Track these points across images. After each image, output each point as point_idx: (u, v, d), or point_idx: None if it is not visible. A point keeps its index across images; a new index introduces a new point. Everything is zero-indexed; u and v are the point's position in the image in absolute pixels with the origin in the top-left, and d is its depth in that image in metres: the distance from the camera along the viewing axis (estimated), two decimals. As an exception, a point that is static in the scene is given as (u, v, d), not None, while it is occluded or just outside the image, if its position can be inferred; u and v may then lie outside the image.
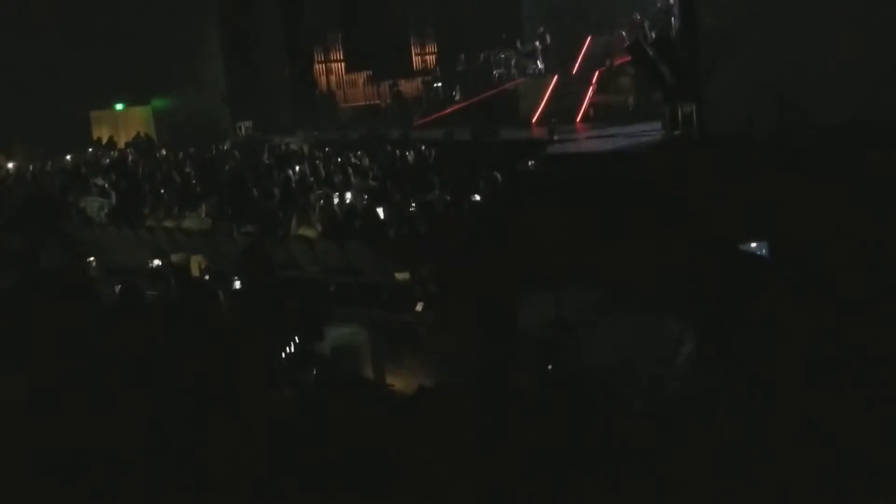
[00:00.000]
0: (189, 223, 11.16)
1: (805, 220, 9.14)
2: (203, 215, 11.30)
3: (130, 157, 19.67)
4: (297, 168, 14.78)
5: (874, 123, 10.52)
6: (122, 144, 23.28)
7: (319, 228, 10.15)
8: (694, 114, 13.63)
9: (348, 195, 11.89)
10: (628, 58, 17.03)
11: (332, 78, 25.84)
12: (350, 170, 13.87)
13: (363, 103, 25.14)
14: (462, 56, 23.00)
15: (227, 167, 16.33)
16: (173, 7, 23.07)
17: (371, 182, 12.88)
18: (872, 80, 10.87)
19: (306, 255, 9.67)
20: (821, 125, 11.42)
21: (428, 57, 26.32)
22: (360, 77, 25.88)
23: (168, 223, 11.33)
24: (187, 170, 16.00)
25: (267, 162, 16.30)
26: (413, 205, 10.48)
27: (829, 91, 11.36)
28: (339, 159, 15.45)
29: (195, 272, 9.10)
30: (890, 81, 10.82)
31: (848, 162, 10.07)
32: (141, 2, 23.70)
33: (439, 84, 23.07)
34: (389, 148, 16.76)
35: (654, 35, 17.34)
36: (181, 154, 19.54)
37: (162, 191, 13.53)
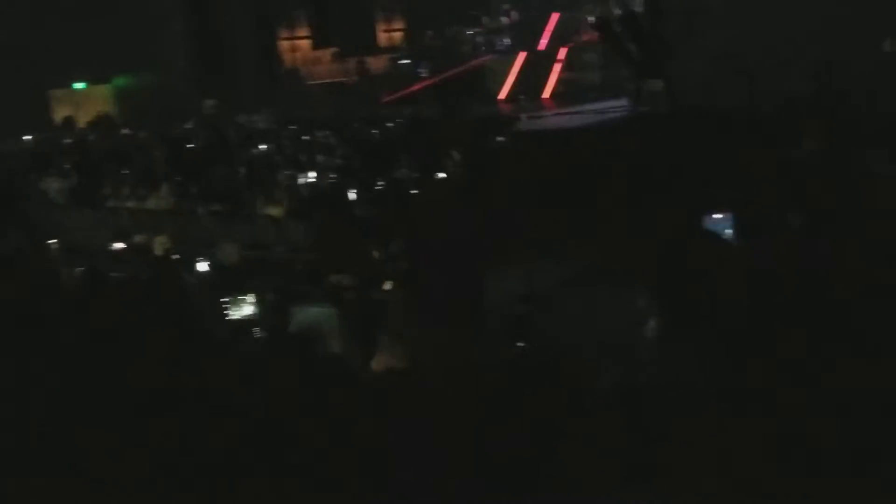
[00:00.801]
0: (152, 203, 11.00)
1: (772, 191, 9.17)
2: (166, 195, 11.14)
3: (91, 137, 19.31)
4: (263, 147, 14.61)
5: (839, 94, 10.57)
6: (82, 124, 22.84)
7: (284, 205, 10.05)
8: (661, 90, 13.63)
9: (313, 174, 11.77)
10: (595, 34, 16.98)
11: (298, 55, 25.51)
12: (316, 148, 13.73)
13: (330, 80, 24.88)
14: (429, 32, 22.83)
15: (191, 146, 16.09)
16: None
17: (338, 160, 12.76)
18: (836, 51, 10.90)
19: (272, 234, 9.56)
20: (787, 97, 11.46)
21: (394, 33, 26.09)
22: (327, 54, 25.60)
23: (131, 204, 11.16)
24: (150, 149, 15.75)
25: (232, 140, 16.08)
26: (381, 182, 10.41)
27: (794, 63, 11.40)
28: (306, 137, 15.28)
29: (159, 253, 8.96)
30: (855, 52, 10.88)
31: (812, 134, 10.11)
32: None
33: (406, 61, 22.89)
34: (357, 125, 16.61)
35: (621, 11, 17.30)
36: (143, 133, 19.22)
37: (124, 171, 13.30)
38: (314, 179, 11.43)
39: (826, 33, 11.09)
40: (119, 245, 8.21)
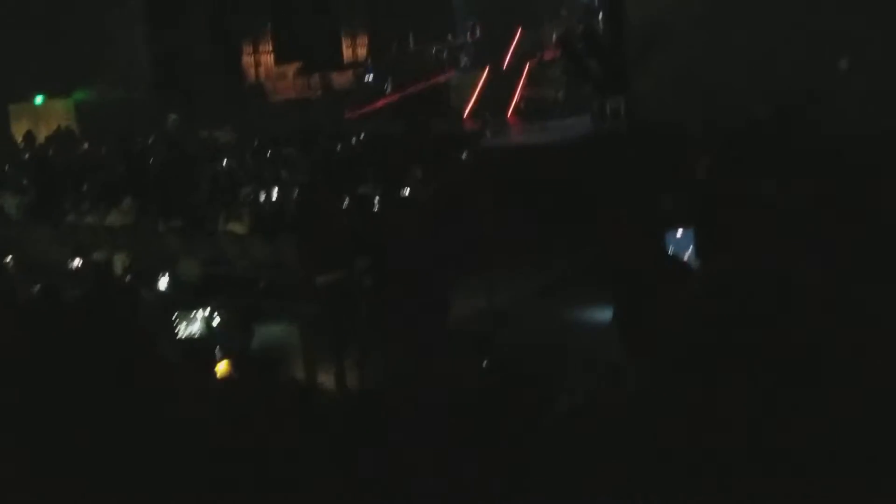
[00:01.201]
0: (112, 219, 10.85)
1: (734, 211, 9.28)
2: (127, 211, 11.00)
3: (51, 152, 19.04)
4: (226, 162, 14.51)
5: (802, 114, 10.74)
6: (42, 139, 22.51)
7: (248, 223, 9.97)
8: (622, 107, 13.76)
9: (276, 189, 11.70)
10: (558, 51, 17.13)
11: (262, 70, 25.41)
12: (280, 163, 13.67)
13: (293, 96, 24.80)
14: (393, 48, 22.88)
15: (153, 161, 15.93)
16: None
17: (301, 176, 12.70)
18: (800, 72, 11.09)
19: (235, 250, 9.48)
20: (749, 118, 11.63)
21: (359, 49, 26.11)
22: (290, 69, 25.52)
23: (90, 219, 11.01)
24: (110, 164, 15.57)
25: (194, 156, 15.96)
26: (346, 199, 10.36)
27: (757, 83, 11.57)
28: (269, 152, 15.21)
29: (118, 270, 8.84)
30: (817, 73, 11.07)
31: (776, 154, 10.26)
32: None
33: (371, 76, 22.90)
34: (321, 141, 16.56)
35: (583, 28, 17.47)
36: (104, 148, 18.98)
37: (84, 186, 13.12)
38: (275, 195, 11.36)
39: (784, 52, 11.28)
40: (77, 262, 8.07)
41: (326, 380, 5.95)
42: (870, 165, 9.03)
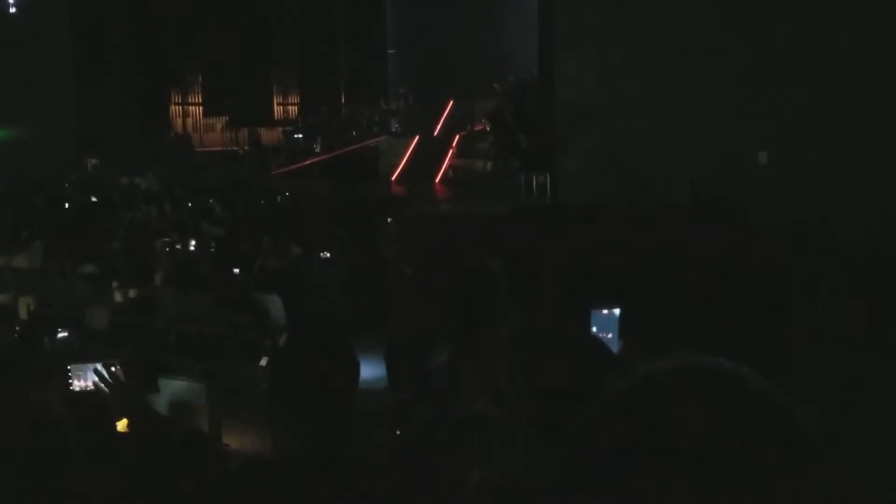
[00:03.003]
0: (19, 261, 10.45)
1: (654, 287, 9.46)
2: (37, 254, 10.62)
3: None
4: (144, 209, 14.20)
5: (717, 201, 11.07)
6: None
7: (162, 272, 9.72)
8: (547, 183, 14.01)
9: (194, 242, 11.47)
10: (488, 124, 17.40)
11: (189, 120, 25.16)
12: (200, 216, 13.43)
13: (220, 148, 24.58)
14: (324, 109, 22.95)
15: (69, 204, 15.50)
16: (20, 30, 21.99)
17: (218, 230, 12.49)
18: (721, 160, 11.45)
19: (146, 301, 9.20)
20: (666, 200, 11.96)
21: (290, 107, 26.13)
22: (219, 122, 25.35)
23: (-3, 260, 10.58)
24: (23, 205, 15.08)
25: (113, 201, 15.58)
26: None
27: (676, 169, 11.92)
28: (190, 204, 14.95)
29: (23, 314, 8.48)
30: (735, 163, 11.45)
31: (694, 237, 10.54)
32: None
33: (300, 135, 22.88)
34: (245, 195, 16.38)
35: (513, 104, 17.82)
36: (17, 188, 18.38)
37: (-7, 225, 12.66)
38: (192, 248, 11.12)
39: (706, 140, 11.67)
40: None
41: (229, 440, 5.73)
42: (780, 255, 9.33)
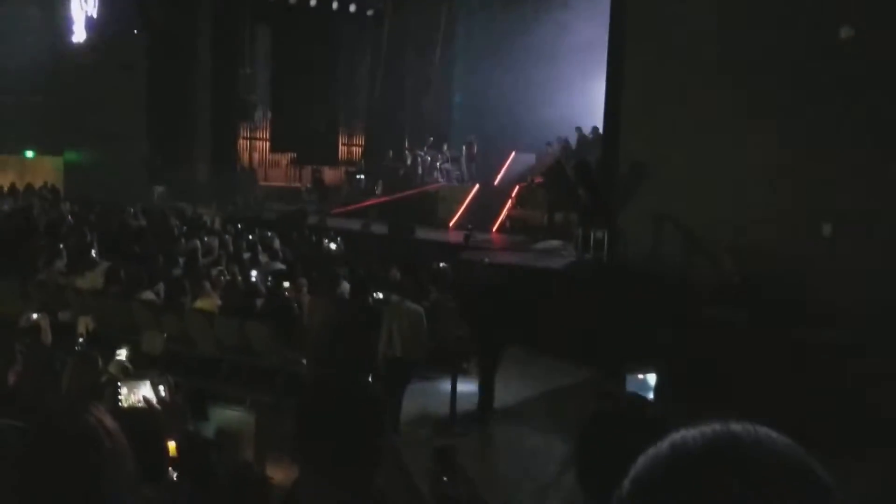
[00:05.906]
0: (82, 282, 10.72)
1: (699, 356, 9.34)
2: (100, 276, 10.87)
3: (35, 209, 18.92)
4: (206, 239, 14.47)
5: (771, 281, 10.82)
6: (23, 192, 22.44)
7: (218, 302, 9.87)
8: (605, 239, 13.94)
9: (254, 273, 11.65)
10: (548, 178, 17.43)
11: (256, 155, 25.69)
12: (260, 248, 13.65)
13: (283, 184, 25.04)
14: (389, 152, 23.27)
15: (134, 229, 15.88)
16: (101, 60, 22.82)
17: (279, 265, 12.67)
18: (782, 230, 11.18)
19: (202, 329, 9.35)
20: (726, 269, 11.80)
21: (354, 148, 26.56)
22: (285, 158, 25.83)
23: (61, 279, 10.86)
24: (90, 227, 15.49)
25: (176, 229, 15.92)
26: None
27: (738, 237, 11.71)
28: (251, 237, 15.21)
29: (81, 333, 8.66)
30: (799, 233, 11.17)
31: (749, 310, 10.37)
32: (71, 53, 23.40)
33: (362, 176, 23.20)
34: (305, 232, 16.62)
35: (574, 159, 17.84)
36: (88, 210, 18.92)
37: (61, 245, 13.00)
38: (253, 279, 11.30)
39: (763, 215, 11.38)
40: (34, 317, 7.82)
41: (274, 473, 5.77)
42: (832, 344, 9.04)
